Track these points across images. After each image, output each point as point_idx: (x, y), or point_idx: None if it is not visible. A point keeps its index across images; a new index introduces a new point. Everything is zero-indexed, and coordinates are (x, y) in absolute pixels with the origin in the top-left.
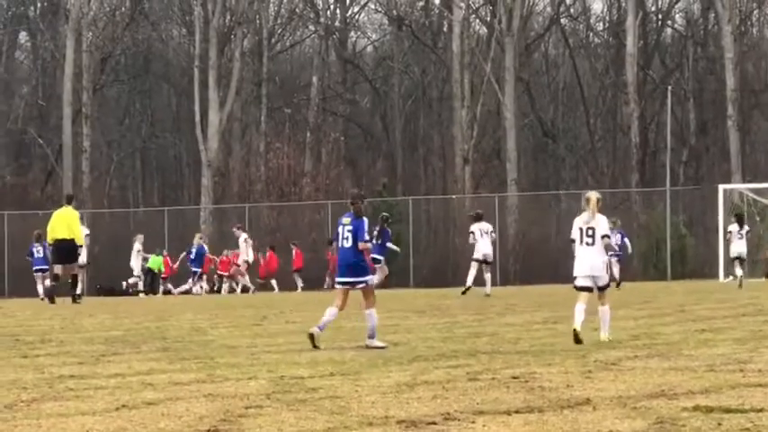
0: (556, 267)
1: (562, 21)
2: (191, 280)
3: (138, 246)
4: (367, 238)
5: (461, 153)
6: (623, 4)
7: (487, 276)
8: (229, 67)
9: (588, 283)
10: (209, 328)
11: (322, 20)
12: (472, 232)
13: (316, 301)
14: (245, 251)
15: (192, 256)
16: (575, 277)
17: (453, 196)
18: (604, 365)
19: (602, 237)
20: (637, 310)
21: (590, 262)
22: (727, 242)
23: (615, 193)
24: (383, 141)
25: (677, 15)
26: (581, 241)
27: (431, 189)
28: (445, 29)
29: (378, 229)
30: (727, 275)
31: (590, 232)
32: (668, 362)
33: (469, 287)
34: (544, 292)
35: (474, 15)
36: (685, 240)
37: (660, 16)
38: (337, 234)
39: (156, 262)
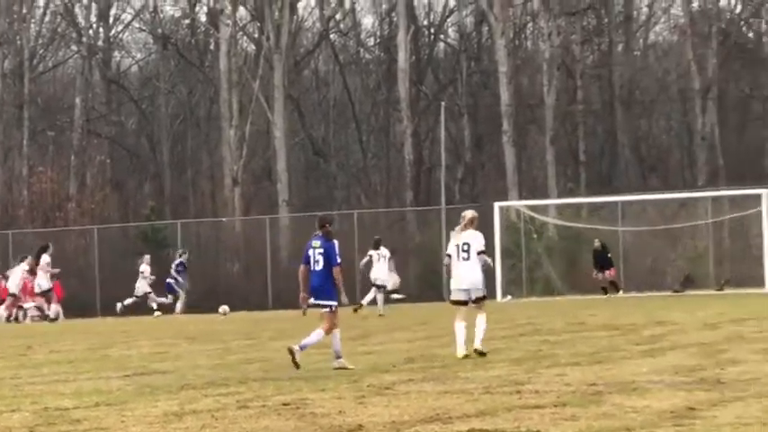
0: None
1: (332, 36)
2: None
3: None
4: (339, 260)
5: (231, 174)
6: (394, 19)
7: (379, 297)
8: None
9: (463, 297)
10: None
11: (84, 39)
12: (370, 255)
13: (80, 329)
14: (44, 277)
15: None
16: (450, 291)
17: (223, 219)
18: (378, 390)
19: (478, 252)
20: (413, 332)
21: (467, 276)
22: (368, 266)
23: (389, 213)
24: (150, 163)
25: (450, 29)
26: (457, 257)
27: (200, 212)
28: (212, 47)
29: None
30: (505, 295)
31: (465, 248)
32: (444, 385)
33: (361, 305)
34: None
35: (241, 33)
36: None
37: (432, 30)
38: (308, 257)
39: None
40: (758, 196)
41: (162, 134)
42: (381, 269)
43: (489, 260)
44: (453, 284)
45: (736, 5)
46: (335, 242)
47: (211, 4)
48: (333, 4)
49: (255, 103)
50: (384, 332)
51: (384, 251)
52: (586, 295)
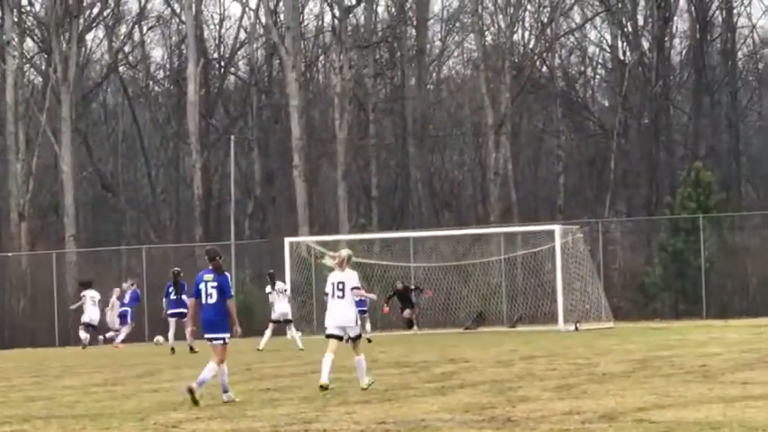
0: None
1: (121, 69)
2: None
3: None
4: (232, 293)
5: (17, 208)
6: (184, 52)
7: (295, 333)
8: None
9: (338, 333)
10: None
11: None
12: (269, 293)
13: None
14: None
15: None
16: (326, 327)
17: (9, 254)
18: (165, 428)
19: (352, 289)
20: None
21: (341, 314)
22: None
23: (179, 248)
24: None
25: (240, 62)
26: (333, 295)
27: None
28: None
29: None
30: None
31: (340, 286)
32: (231, 423)
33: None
34: (106, 353)
35: (28, 64)
36: (251, 296)
37: (223, 63)
38: (199, 291)
39: None
40: (551, 232)
41: None
42: (283, 304)
43: (372, 295)
44: (328, 321)
45: (529, 40)
46: (227, 275)
47: None
48: (122, 37)
49: (42, 136)
50: (172, 369)
51: (281, 285)
52: (377, 332)
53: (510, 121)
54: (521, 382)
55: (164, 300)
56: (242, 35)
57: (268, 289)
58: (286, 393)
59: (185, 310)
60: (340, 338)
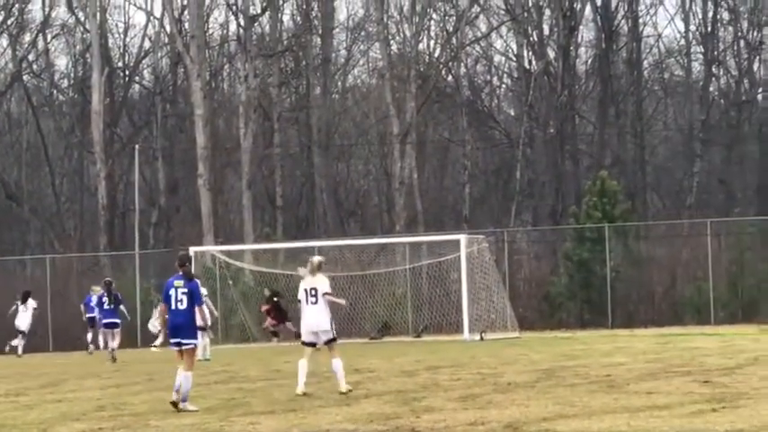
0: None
1: (24, 78)
2: None
3: None
4: (203, 300)
5: None
6: (88, 60)
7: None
8: None
9: (312, 339)
10: None
11: None
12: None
13: None
14: None
15: None
16: (300, 334)
17: None
18: None
19: (324, 294)
20: (104, 380)
21: (315, 319)
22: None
23: (83, 258)
24: None
25: (145, 71)
26: (306, 301)
27: None
28: None
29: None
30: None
31: (313, 292)
32: None
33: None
34: (7, 363)
35: None
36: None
37: (127, 72)
38: (168, 296)
39: None
40: (457, 242)
41: None
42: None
43: (341, 300)
44: (303, 327)
45: (434, 49)
46: (198, 281)
47: None
48: (26, 45)
49: None
50: (75, 379)
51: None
52: (283, 342)
53: (415, 131)
54: (425, 392)
55: (83, 307)
56: (147, 44)
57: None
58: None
59: (119, 321)
60: (315, 345)
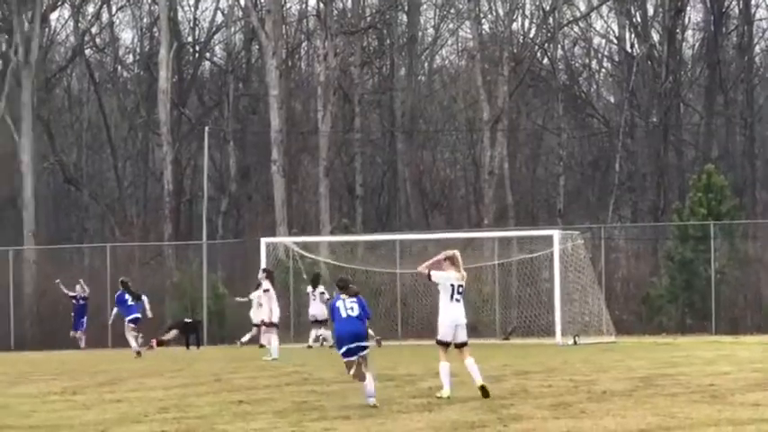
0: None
1: (87, 52)
2: None
3: None
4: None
5: None
6: (156, 35)
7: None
8: None
9: (450, 339)
10: None
11: None
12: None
13: None
14: None
15: None
16: (438, 331)
17: None
18: None
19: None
20: (168, 379)
21: (461, 315)
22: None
23: (146, 247)
24: None
25: (217, 47)
26: (451, 298)
27: None
28: None
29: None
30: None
31: (460, 290)
32: None
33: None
34: (65, 359)
35: None
36: (224, 301)
37: (197, 48)
38: (337, 309)
39: None
40: (549, 237)
41: None
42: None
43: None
44: (446, 324)
45: (529, 30)
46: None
47: None
48: (89, 17)
49: (1, 124)
50: (136, 378)
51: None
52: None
53: (507, 117)
54: (513, 399)
55: (116, 307)
56: (219, 18)
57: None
58: (259, 407)
59: (141, 316)
60: (449, 345)
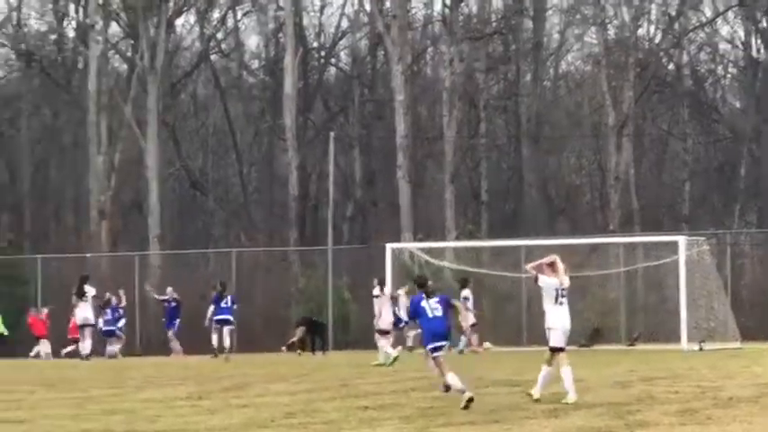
0: (205, 335)
1: (212, 57)
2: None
3: None
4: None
5: (97, 206)
6: (281, 40)
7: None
8: None
9: (562, 344)
10: None
11: None
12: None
13: None
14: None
15: None
16: (550, 336)
17: (88, 255)
18: None
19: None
20: (294, 384)
21: (568, 320)
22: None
23: (272, 253)
24: (8, 192)
25: (342, 53)
26: (555, 301)
27: (63, 246)
28: (80, 65)
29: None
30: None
31: (564, 293)
32: None
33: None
34: (189, 364)
35: (113, 50)
36: (349, 306)
37: (323, 54)
38: (423, 308)
39: None
40: (675, 243)
41: (22, 160)
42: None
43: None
44: (557, 329)
45: (655, 35)
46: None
47: (81, 18)
48: (214, 23)
49: (126, 129)
50: (261, 383)
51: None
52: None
53: (633, 122)
54: (640, 405)
55: (211, 308)
56: (344, 23)
57: (376, 291)
58: (385, 412)
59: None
60: (563, 350)
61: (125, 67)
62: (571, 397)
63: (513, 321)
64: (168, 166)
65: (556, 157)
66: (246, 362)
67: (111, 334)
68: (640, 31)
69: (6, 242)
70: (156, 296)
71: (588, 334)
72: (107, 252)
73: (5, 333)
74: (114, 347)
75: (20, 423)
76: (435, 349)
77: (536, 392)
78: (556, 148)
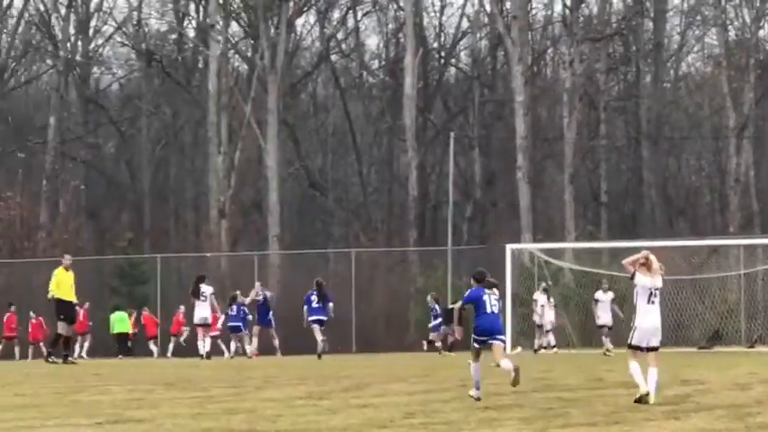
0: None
1: (332, 57)
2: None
3: None
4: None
5: (217, 205)
6: (401, 40)
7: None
8: None
9: (644, 343)
10: None
11: (61, 53)
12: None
13: (47, 371)
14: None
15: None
16: (632, 335)
17: (208, 254)
18: None
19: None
20: (412, 385)
21: (658, 320)
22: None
23: (390, 253)
24: (129, 191)
25: (462, 53)
26: (648, 301)
27: (182, 246)
28: (200, 65)
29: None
30: (515, 346)
31: (656, 293)
32: None
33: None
34: (309, 364)
35: (233, 50)
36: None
37: (443, 54)
38: (483, 302)
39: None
40: None
41: (143, 159)
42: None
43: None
44: (642, 328)
45: None
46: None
47: (201, 18)
48: (335, 23)
49: (246, 129)
50: (380, 383)
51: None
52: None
53: (753, 124)
54: (760, 407)
55: (305, 308)
56: (464, 24)
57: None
58: (505, 413)
59: (326, 318)
60: (644, 349)
61: (245, 66)
62: (652, 397)
63: (630, 322)
64: (288, 165)
65: (675, 158)
66: (366, 362)
67: (236, 330)
68: (761, 33)
69: (126, 241)
70: (249, 299)
71: (708, 336)
72: (226, 252)
73: (129, 331)
74: (250, 346)
75: (139, 422)
76: (482, 342)
77: (642, 388)
78: (675, 150)
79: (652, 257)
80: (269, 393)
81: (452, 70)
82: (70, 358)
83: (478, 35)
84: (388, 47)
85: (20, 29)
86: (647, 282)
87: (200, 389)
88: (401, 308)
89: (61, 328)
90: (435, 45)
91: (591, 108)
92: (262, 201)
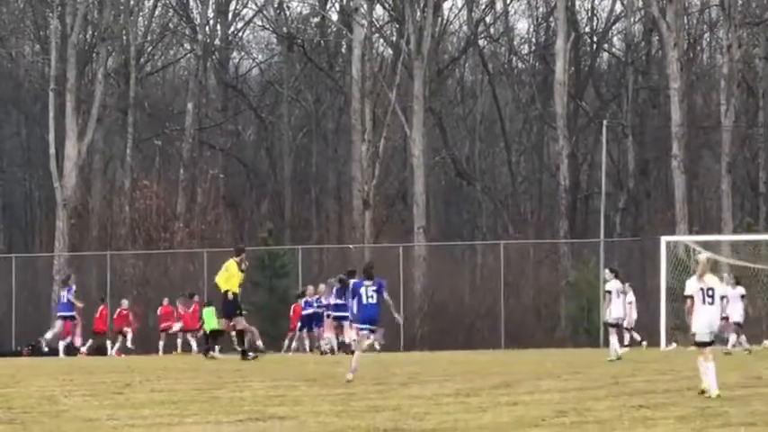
0: (470, 330)
1: (480, 42)
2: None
3: None
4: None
5: (360, 195)
6: (552, 24)
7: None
8: (90, 90)
9: (709, 339)
10: (62, 397)
11: (200, 37)
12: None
13: (186, 366)
14: None
15: None
16: (693, 334)
17: (351, 246)
18: None
19: (722, 297)
20: (564, 381)
21: (714, 319)
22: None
23: (540, 245)
24: (269, 180)
25: (615, 38)
26: (703, 301)
27: (324, 237)
28: (343, 50)
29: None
30: (669, 342)
31: (710, 292)
32: None
33: None
34: (455, 359)
35: (377, 35)
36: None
37: (595, 39)
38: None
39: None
40: None
41: (283, 147)
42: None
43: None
44: (698, 328)
45: None
46: None
47: (344, 0)
48: (483, 6)
49: (391, 116)
50: (530, 380)
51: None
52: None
53: None
54: None
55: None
56: (618, 8)
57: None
58: (660, 412)
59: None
60: (713, 344)
61: (390, 51)
62: (714, 391)
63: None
64: (434, 154)
65: None
66: (516, 359)
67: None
68: None
69: (266, 232)
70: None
71: None
72: (370, 243)
73: (217, 328)
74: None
75: (281, 420)
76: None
77: (709, 389)
78: None
79: (700, 258)
80: (414, 390)
81: (605, 55)
82: (211, 353)
83: (632, 19)
84: (538, 31)
85: (157, 12)
86: (692, 284)
87: (344, 385)
88: (551, 302)
89: (237, 322)
90: (587, 29)
91: (749, 95)
92: (407, 191)
